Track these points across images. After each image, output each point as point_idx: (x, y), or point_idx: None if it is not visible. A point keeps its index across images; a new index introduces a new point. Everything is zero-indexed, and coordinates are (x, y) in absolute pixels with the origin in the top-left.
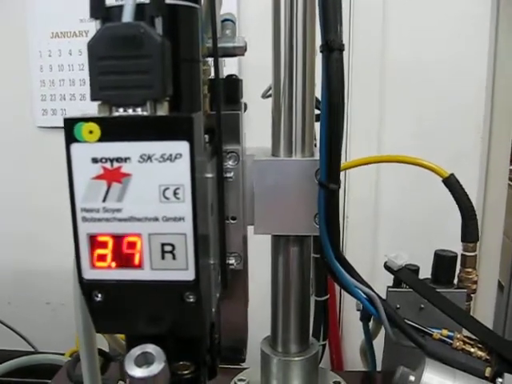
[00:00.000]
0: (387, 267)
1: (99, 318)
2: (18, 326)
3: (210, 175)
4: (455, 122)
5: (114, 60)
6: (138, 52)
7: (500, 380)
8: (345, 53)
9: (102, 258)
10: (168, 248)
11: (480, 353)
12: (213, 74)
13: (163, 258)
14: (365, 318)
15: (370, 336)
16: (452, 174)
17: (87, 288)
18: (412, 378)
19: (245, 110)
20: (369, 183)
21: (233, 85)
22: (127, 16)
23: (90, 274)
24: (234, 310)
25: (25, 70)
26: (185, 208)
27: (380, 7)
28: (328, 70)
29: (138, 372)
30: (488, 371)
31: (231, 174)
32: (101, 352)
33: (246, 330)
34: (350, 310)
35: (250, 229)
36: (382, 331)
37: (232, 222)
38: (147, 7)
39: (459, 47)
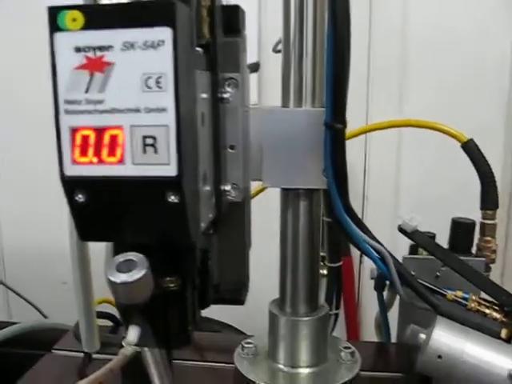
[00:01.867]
0: (401, 230)
1: (83, 223)
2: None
3: (204, 95)
4: (479, 91)
5: None
6: None
7: None
8: (365, 19)
9: (84, 152)
10: (150, 141)
11: (496, 314)
12: None
13: (145, 151)
14: (379, 286)
15: (384, 306)
16: (471, 139)
17: (69, 186)
18: (422, 336)
19: (257, 70)
20: (389, 160)
21: (233, 12)
22: None
23: (71, 169)
24: (233, 246)
25: None
26: (167, 98)
27: None
28: (334, 7)
29: (118, 277)
30: (504, 332)
31: (228, 96)
32: (110, 316)
33: (245, 270)
34: (369, 283)
35: None
36: (397, 303)
37: (230, 150)
38: None
39: (483, 14)
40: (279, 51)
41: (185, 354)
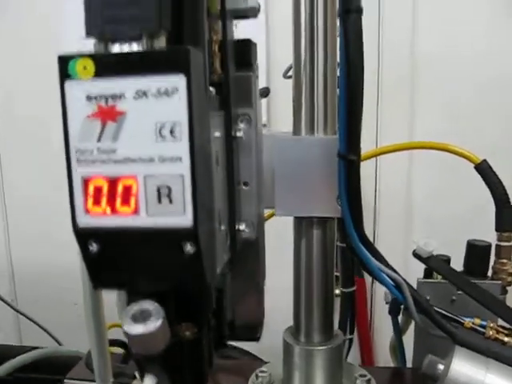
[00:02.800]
0: (416, 255)
1: (96, 272)
2: (44, 325)
3: (217, 134)
4: (490, 111)
5: None
6: None
7: None
8: (374, 42)
9: (97, 202)
10: (165, 191)
11: None
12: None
13: (160, 201)
14: (394, 311)
15: (399, 331)
16: (484, 160)
17: (82, 236)
18: (441, 367)
19: (267, 95)
20: (400, 175)
21: (245, 47)
22: None
23: (84, 220)
24: (248, 284)
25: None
26: (182, 147)
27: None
28: (346, 32)
29: (134, 328)
30: None
31: (241, 134)
32: (121, 343)
33: (261, 306)
34: (382, 304)
35: None
36: (412, 326)
37: (244, 187)
38: None
39: (494, 35)
40: (290, 77)
41: None
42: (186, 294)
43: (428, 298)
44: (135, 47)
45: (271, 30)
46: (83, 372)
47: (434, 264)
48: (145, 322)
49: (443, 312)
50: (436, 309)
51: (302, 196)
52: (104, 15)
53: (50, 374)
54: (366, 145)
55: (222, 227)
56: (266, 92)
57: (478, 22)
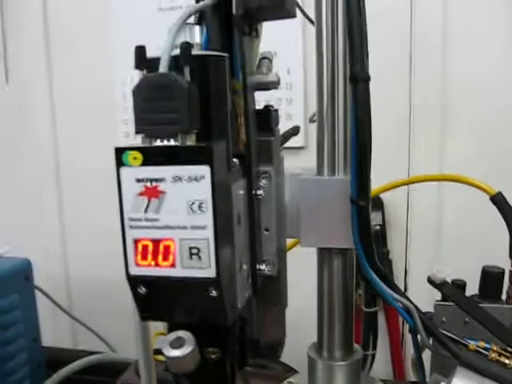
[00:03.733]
0: (430, 281)
1: (143, 308)
2: (98, 331)
3: (241, 192)
4: None
5: (152, 102)
6: (170, 96)
7: None
8: (405, 71)
9: (144, 257)
10: (195, 251)
11: None
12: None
13: (191, 258)
14: (413, 330)
15: (418, 348)
16: (499, 192)
17: (133, 282)
18: None
19: (297, 133)
20: (431, 199)
21: (266, 115)
22: (162, 67)
23: (134, 270)
24: (270, 312)
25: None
26: (207, 218)
27: (440, 26)
28: (355, 99)
29: (171, 352)
30: None
31: (261, 192)
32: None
33: (282, 330)
34: None
35: None
36: None
37: (266, 232)
38: (179, 59)
39: None
40: (314, 121)
41: None
42: (212, 325)
43: (444, 319)
44: (172, 142)
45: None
46: (132, 377)
47: (446, 290)
48: (179, 348)
49: (450, 335)
50: (443, 331)
51: (323, 229)
52: (149, 118)
53: (103, 377)
54: (399, 166)
55: (244, 268)
56: (296, 131)
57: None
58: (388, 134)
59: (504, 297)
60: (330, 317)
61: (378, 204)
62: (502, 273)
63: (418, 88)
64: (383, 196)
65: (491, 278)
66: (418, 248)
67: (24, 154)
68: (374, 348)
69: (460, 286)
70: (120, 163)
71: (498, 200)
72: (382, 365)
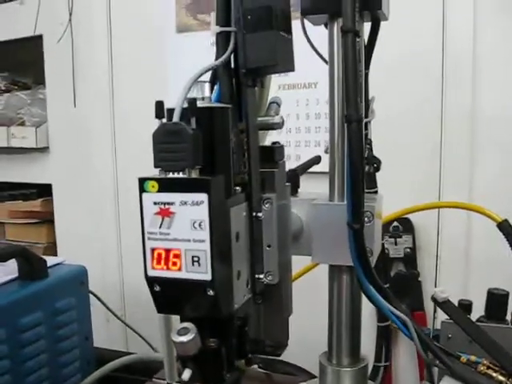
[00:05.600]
0: (433, 299)
1: (159, 303)
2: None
3: (243, 213)
4: None
5: (166, 144)
6: (179, 140)
7: None
8: (437, 100)
9: (158, 262)
10: (196, 258)
11: (501, 377)
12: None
13: (193, 264)
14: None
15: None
16: (505, 220)
17: (150, 281)
18: None
19: (318, 162)
20: (460, 224)
21: (270, 150)
22: (175, 117)
23: (151, 272)
24: (272, 316)
25: None
26: (205, 234)
27: (470, 58)
28: (348, 138)
29: (178, 338)
30: None
31: (261, 214)
32: None
33: (284, 332)
34: None
35: None
36: None
37: (267, 248)
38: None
39: None
40: (327, 153)
41: None
42: (210, 318)
43: (449, 335)
44: (181, 175)
45: None
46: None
47: (447, 308)
48: (184, 335)
49: (443, 347)
50: (436, 344)
51: (333, 248)
52: (164, 156)
53: (143, 376)
54: (430, 190)
55: (243, 275)
56: (317, 160)
57: None
58: (418, 162)
59: (509, 317)
60: (338, 328)
61: (409, 228)
62: (507, 295)
63: (448, 117)
64: (414, 220)
65: (496, 300)
66: (446, 271)
67: (89, 175)
68: (387, 360)
69: (465, 305)
70: (142, 190)
71: (504, 227)
72: None
